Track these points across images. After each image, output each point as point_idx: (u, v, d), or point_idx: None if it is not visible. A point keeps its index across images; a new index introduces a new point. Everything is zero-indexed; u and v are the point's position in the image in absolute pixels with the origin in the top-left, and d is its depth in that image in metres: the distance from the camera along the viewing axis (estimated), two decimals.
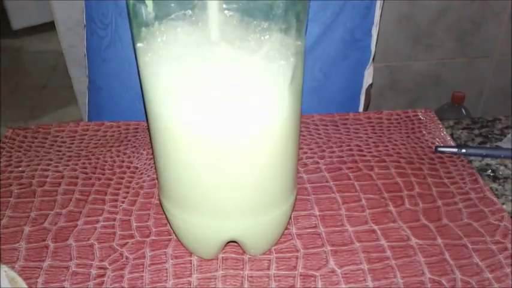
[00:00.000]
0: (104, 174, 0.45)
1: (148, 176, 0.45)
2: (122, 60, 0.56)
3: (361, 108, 0.62)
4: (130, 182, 0.44)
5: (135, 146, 0.50)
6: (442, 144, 0.49)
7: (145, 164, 0.47)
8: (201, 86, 0.28)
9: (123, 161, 0.47)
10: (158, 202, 0.42)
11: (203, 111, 0.29)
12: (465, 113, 1.14)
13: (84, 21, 0.59)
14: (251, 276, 0.35)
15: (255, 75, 0.28)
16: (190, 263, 0.36)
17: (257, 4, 0.26)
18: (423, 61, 1.14)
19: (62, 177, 0.45)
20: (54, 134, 0.52)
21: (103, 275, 0.35)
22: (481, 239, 0.37)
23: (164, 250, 0.37)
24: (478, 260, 0.36)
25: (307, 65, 0.54)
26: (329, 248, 0.37)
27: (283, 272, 0.35)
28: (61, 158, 0.48)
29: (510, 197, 0.43)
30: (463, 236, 0.38)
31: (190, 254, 0.37)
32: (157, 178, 0.42)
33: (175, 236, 0.38)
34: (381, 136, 0.50)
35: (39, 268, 0.36)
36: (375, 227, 0.39)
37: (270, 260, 0.36)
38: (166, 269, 0.36)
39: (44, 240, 0.38)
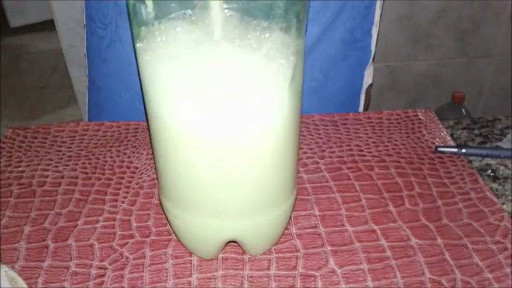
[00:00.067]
0: (104, 174, 0.45)
1: (148, 176, 0.45)
2: (122, 60, 0.56)
3: (361, 108, 0.62)
4: (130, 182, 0.44)
5: (135, 146, 0.50)
6: (442, 144, 0.49)
7: (145, 164, 0.47)
8: (201, 85, 0.28)
9: (123, 161, 0.47)
10: (158, 202, 0.42)
11: (203, 110, 0.29)
12: (465, 113, 1.14)
13: (84, 21, 0.59)
14: (251, 276, 0.35)
15: (255, 75, 0.28)
16: (190, 263, 0.36)
17: (257, 4, 0.26)
18: (423, 61, 1.14)
19: (62, 177, 0.45)
20: (54, 134, 0.52)
21: (103, 275, 0.35)
22: (481, 239, 0.37)
23: (164, 250, 0.37)
24: (478, 260, 0.36)
25: (307, 65, 0.54)
26: (329, 248, 0.37)
27: (283, 272, 0.35)
28: (61, 158, 0.48)
29: (510, 197, 0.43)
30: (463, 236, 0.38)
31: (190, 254, 0.37)
32: (157, 178, 0.42)
33: (175, 236, 0.38)
34: (380, 136, 0.50)
35: (39, 268, 0.36)
36: (375, 227, 0.39)
37: (270, 260, 0.36)
38: (166, 269, 0.36)
39: (44, 240, 0.38)
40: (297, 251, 0.37)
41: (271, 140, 0.31)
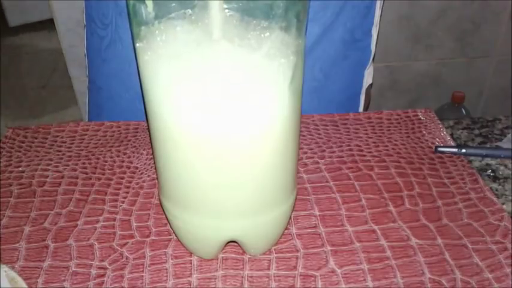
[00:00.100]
0: (104, 174, 0.45)
1: (148, 176, 0.45)
2: (122, 60, 0.56)
3: (361, 108, 0.62)
4: (130, 182, 0.44)
5: (135, 146, 0.50)
6: (442, 144, 0.49)
7: (145, 164, 0.47)
8: (201, 85, 0.28)
9: (123, 161, 0.47)
10: (158, 202, 0.42)
11: (203, 110, 0.29)
12: (465, 113, 1.14)
13: (84, 21, 0.59)
14: (251, 276, 0.35)
15: (255, 74, 0.28)
16: (190, 263, 0.36)
17: (257, 4, 0.26)
18: (423, 61, 1.14)
19: (62, 177, 0.45)
20: (54, 134, 0.52)
21: (103, 275, 0.35)
22: (481, 239, 0.37)
23: (164, 250, 0.37)
24: (478, 260, 0.36)
25: (307, 65, 0.54)
26: (329, 248, 0.37)
27: (283, 272, 0.35)
28: (61, 158, 0.48)
29: (510, 197, 0.43)
30: (463, 236, 0.38)
31: (190, 254, 0.37)
32: (157, 178, 0.42)
33: (175, 236, 0.38)
34: (380, 136, 0.50)
35: (39, 268, 0.36)
36: (375, 227, 0.39)
37: (270, 260, 0.36)
38: (166, 269, 0.36)
39: (44, 240, 0.38)
40: (297, 251, 0.37)
41: (271, 140, 0.31)
